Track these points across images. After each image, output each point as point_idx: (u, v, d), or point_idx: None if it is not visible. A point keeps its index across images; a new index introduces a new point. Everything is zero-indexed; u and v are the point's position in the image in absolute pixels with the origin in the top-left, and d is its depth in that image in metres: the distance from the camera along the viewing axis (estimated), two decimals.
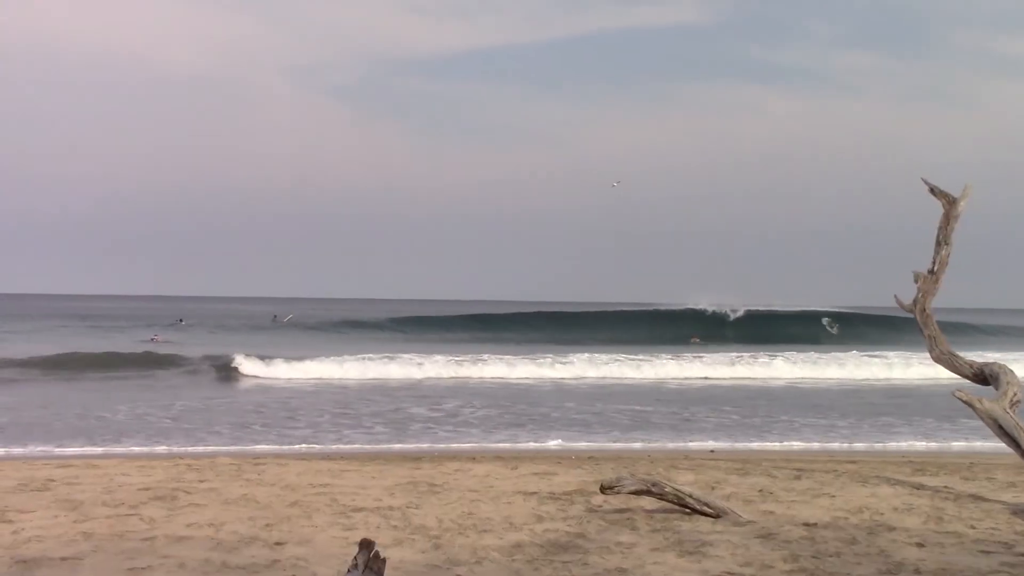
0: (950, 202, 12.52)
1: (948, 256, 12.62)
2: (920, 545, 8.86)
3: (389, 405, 24.61)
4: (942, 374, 13.29)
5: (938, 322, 12.73)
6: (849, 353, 39.33)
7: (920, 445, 18.74)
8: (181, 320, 67.76)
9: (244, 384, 30.62)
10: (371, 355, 35.32)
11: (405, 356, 35.35)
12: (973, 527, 9.75)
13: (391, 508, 10.28)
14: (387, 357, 34.90)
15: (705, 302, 60.65)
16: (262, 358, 33.53)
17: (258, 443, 17.97)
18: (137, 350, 39.43)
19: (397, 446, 17.95)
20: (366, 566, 5.27)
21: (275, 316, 70.34)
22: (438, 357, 35.11)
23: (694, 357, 37.71)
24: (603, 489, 10.26)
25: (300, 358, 34.36)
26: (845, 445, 18.75)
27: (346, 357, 34.52)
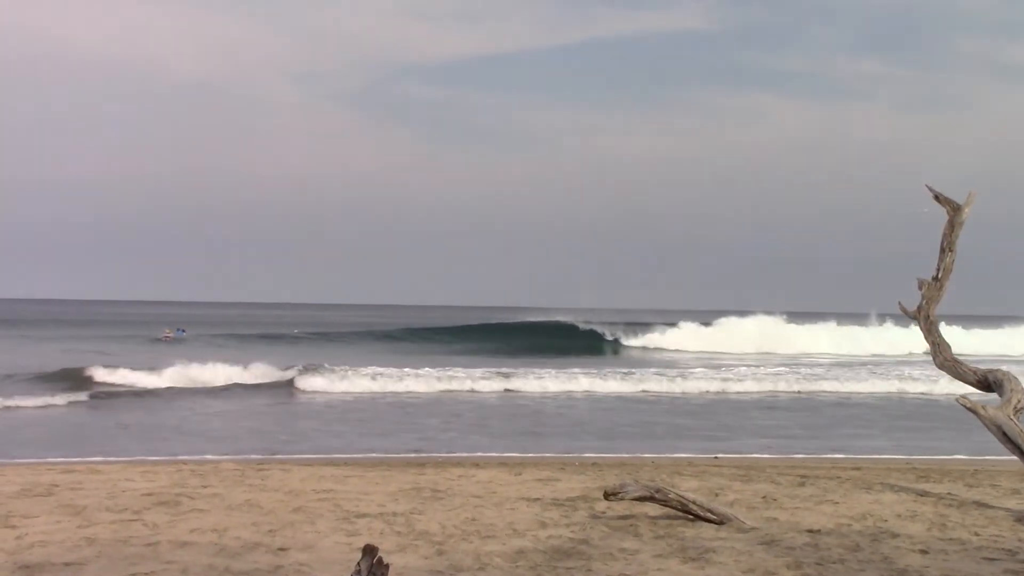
0: (954, 209, 12.52)
1: (952, 263, 12.62)
2: (924, 552, 8.84)
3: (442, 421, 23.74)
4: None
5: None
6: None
7: (922, 452, 18.70)
8: (183, 330, 66.65)
9: (303, 399, 28.88)
10: (425, 368, 34.03)
11: (433, 370, 33.86)
12: (977, 534, 9.73)
13: (394, 514, 10.28)
14: (435, 370, 33.55)
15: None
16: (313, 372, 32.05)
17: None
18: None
19: (401, 453, 17.94)
20: (369, 572, 5.27)
21: (296, 331, 70.35)
22: (457, 371, 33.99)
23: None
24: (607, 495, 10.25)
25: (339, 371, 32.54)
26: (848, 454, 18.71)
27: (379, 368, 33.33)
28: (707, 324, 60.41)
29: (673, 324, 60.80)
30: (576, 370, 35.31)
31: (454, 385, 31.56)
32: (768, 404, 28.82)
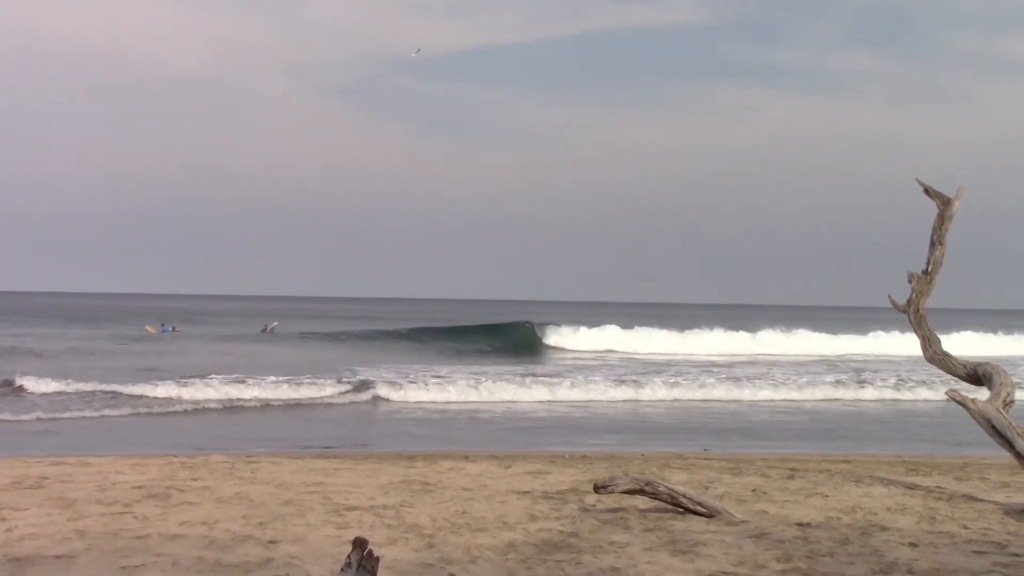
0: (944, 203, 12.53)
1: (942, 256, 12.62)
2: (913, 545, 8.87)
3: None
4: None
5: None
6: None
7: (909, 446, 18.76)
8: (165, 325, 64.47)
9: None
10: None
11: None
12: (966, 527, 9.76)
13: (385, 507, 10.28)
14: (473, 376, 30.83)
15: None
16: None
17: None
18: None
19: (392, 446, 17.92)
20: (359, 565, 5.27)
21: (265, 327, 68.86)
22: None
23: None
24: (597, 488, 10.26)
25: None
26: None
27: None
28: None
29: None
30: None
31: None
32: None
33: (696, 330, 55.97)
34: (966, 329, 57.72)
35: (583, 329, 55.39)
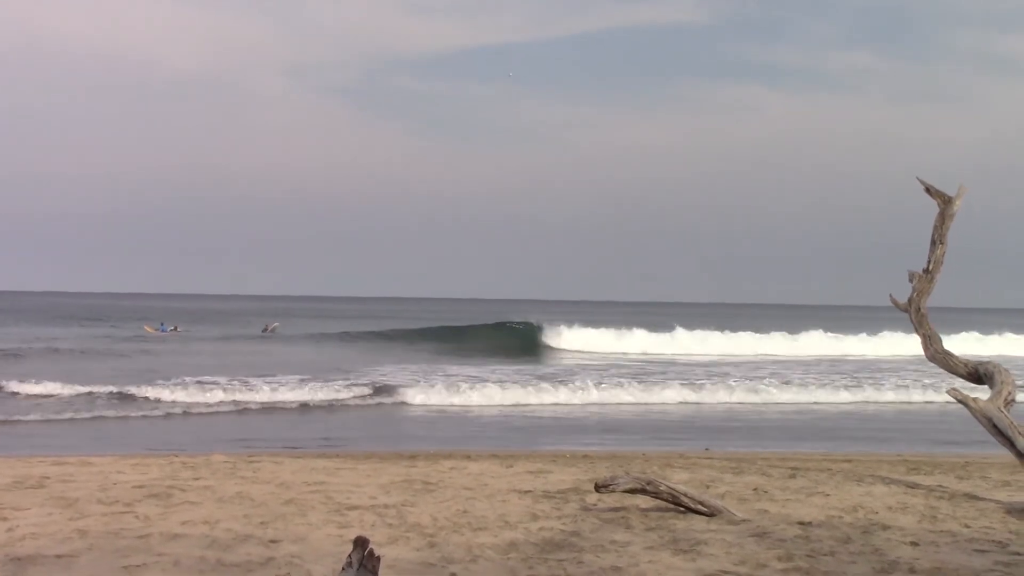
0: (945, 201, 12.52)
1: (943, 255, 12.61)
2: (914, 544, 8.87)
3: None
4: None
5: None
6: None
7: (910, 445, 18.74)
8: (165, 325, 64.19)
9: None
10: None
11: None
12: (967, 526, 9.76)
13: (386, 506, 10.28)
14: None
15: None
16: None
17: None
18: None
19: (393, 445, 17.91)
20: (361, 564, 5.27)
21: (266, 327, 68.58)
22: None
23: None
24: (598, 487, 10.26)
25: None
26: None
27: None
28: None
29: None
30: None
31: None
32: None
33: (698, 331, 55.88)
34: (1006, 331, 57.61)
35: (585, 329, 55.10)
